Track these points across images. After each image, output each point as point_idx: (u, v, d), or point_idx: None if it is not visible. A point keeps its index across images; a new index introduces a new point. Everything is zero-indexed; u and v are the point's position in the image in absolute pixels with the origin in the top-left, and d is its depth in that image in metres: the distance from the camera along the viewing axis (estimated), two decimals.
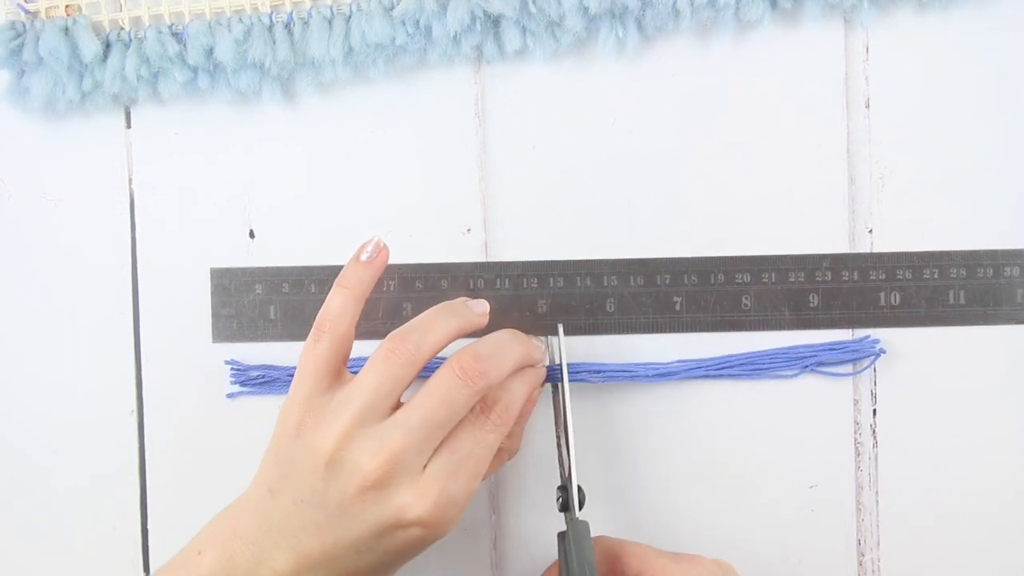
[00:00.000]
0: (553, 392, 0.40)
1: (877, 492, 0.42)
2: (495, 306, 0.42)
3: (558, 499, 0.38)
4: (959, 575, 0.42)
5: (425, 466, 0.34)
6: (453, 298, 0.39)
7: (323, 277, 0.43)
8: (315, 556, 0.33)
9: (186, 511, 0.43)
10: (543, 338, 0.41)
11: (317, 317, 0.36)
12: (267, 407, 0.43)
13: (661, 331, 0.42)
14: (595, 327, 0.42)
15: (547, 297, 0.42)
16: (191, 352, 0.43)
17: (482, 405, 0.35)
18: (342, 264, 0.38)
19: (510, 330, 0.38)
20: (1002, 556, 0.42)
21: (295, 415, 0.35)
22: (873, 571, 0.42)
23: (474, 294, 0.42)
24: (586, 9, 0.40)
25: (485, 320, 0.39)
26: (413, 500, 0.33)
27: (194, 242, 0.44)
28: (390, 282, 0.43)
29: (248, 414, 0.43)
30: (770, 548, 0.42)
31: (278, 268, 0.43)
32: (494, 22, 0.41)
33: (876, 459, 0.42)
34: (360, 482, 0.33)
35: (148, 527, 0.44)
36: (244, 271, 0.43)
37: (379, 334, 0.42)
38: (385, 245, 0.38)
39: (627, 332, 0.42)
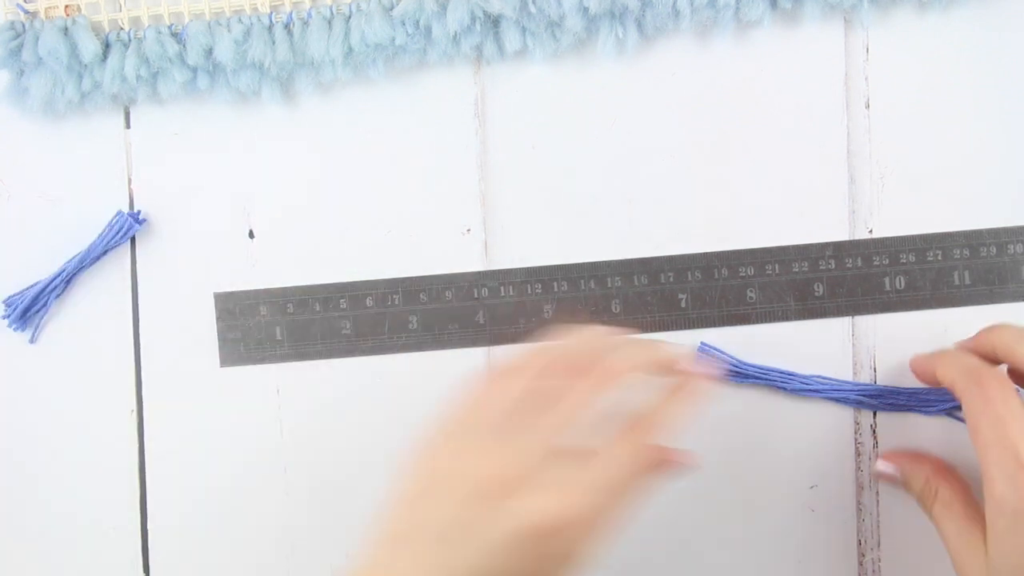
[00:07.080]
0: None
1: (877, 492, 0.42)
2: (500, 313, 0.42)
3: None
4: None
5: None
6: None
7: (326, 295, 0.43)
8: None
9: (186, 512, 0.44)
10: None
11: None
12: (267, 408, 0.43)
13: (667, 329, 0.42)
14: None
15: (552, 302, 0.42)
16: (190, 351, 0.44)
17: None
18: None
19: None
20: None
21: None
22: (873, 571, 0.42)
23: (478, 303, 0.42)
24: (586, 9, 0.40)
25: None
26: None
27: (193, 242, 0.44)
28: (394, 296, 0.43)
29: (250, 414, 0.43)
30: (770, 548, 0.42)
31: (283, 288, 0.43)
32: (494, 22, 0.41)
33: (876, 459, 0.42)
34: None
35: (148, 527, 0.44)
36: (247, 294, 0.43)
37: (386, 348, 0.42)
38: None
39: (633, 332, 0.42)
